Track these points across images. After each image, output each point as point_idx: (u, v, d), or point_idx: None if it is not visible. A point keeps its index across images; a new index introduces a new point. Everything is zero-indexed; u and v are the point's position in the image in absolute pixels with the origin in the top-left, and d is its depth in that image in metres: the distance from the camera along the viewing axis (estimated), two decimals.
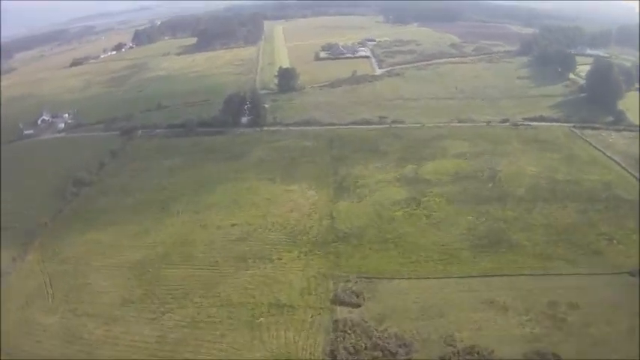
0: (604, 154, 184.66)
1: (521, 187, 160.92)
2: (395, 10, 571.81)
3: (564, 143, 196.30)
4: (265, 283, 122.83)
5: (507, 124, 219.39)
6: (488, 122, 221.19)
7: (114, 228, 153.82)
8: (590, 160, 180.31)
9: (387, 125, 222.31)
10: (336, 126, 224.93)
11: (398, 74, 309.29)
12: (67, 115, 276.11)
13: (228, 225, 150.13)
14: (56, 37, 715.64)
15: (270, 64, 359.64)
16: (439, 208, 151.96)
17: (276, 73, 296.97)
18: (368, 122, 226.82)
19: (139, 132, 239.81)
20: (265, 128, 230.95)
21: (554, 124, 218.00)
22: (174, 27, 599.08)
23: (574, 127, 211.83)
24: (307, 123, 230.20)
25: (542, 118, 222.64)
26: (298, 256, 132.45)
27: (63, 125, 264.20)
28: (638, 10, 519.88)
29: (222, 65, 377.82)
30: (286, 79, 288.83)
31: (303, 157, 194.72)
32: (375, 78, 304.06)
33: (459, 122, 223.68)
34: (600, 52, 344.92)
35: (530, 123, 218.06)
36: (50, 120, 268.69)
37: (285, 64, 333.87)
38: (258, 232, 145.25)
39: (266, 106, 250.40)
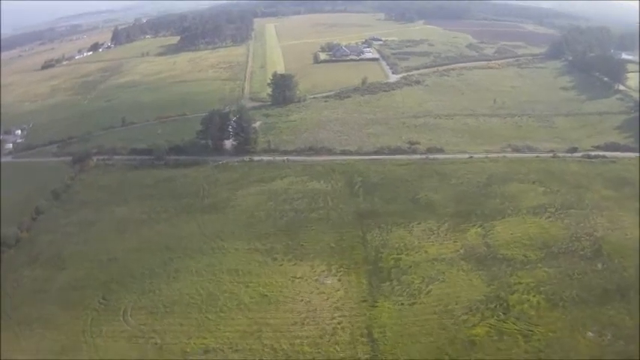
0: None
1: None
2: (396, 7, 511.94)
3: None
4: None
5: (578, 155, 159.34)
6: (554, 153, 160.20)
7: (33, 334, 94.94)
8: None
9: (423, 156, 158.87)
10: (353, 156, 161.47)
11: (418, 82, 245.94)
12: (19, 131, 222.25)
13: (199, 349, 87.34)
14: (40, 36, 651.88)
15: (262, 68, 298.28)
16: (539, 316, 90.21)
17: (270, 80, 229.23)
18: (395, 151, 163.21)
19: (95, 159, 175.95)
20: (256, 158, 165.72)
21: (631, 154, 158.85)
22: (157, 25, 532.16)
23: None
24: (313, 150, 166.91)
25: (615, 147, 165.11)
26: None
27: (11, 146, 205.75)
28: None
29: (205, 68, 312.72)
30: (282, 87, 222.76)
31: (313, 209, 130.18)
32: (390, 86, 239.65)
33: (515, 152, 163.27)
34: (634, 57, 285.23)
35: (604, 154, 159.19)
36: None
37: (280, 68, 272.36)
38: None
39: (256, 125, 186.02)
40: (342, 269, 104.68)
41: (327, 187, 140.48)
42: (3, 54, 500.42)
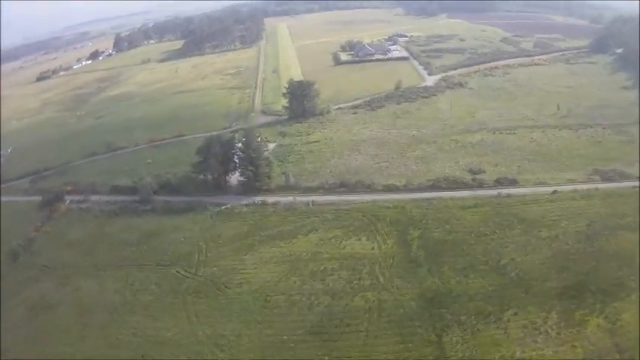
0: None
1: None
2: (414, 0, 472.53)
3: None
4: None
5: None
6: None
7: None
8: None
9: (493, 192, 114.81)
10: (402, 194, 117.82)
11: (460, 84, 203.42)
12: None
13: None
14: (47, 45, 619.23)
15: (275, 72, 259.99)
16: None
17: (285, 89, 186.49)
18: (455, 184, 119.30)
19: (68, 201, 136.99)
20: (271, 200, 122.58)
21: None
22: (162, 29, 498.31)
23: None
24: (346, 187, 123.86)
25: None
26: None
27: None
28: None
29: (210, 75, 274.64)
30: (300, 98, 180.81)
31: (357, 290, 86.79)
32: (429, 91, 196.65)
33: (606, 180, 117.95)
34: None
35: None
36: None
37: (296, 73, 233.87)
38: None
39: (270, 150, 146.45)
40: None
41: (373, 249, 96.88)
42: (7, 65, 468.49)
